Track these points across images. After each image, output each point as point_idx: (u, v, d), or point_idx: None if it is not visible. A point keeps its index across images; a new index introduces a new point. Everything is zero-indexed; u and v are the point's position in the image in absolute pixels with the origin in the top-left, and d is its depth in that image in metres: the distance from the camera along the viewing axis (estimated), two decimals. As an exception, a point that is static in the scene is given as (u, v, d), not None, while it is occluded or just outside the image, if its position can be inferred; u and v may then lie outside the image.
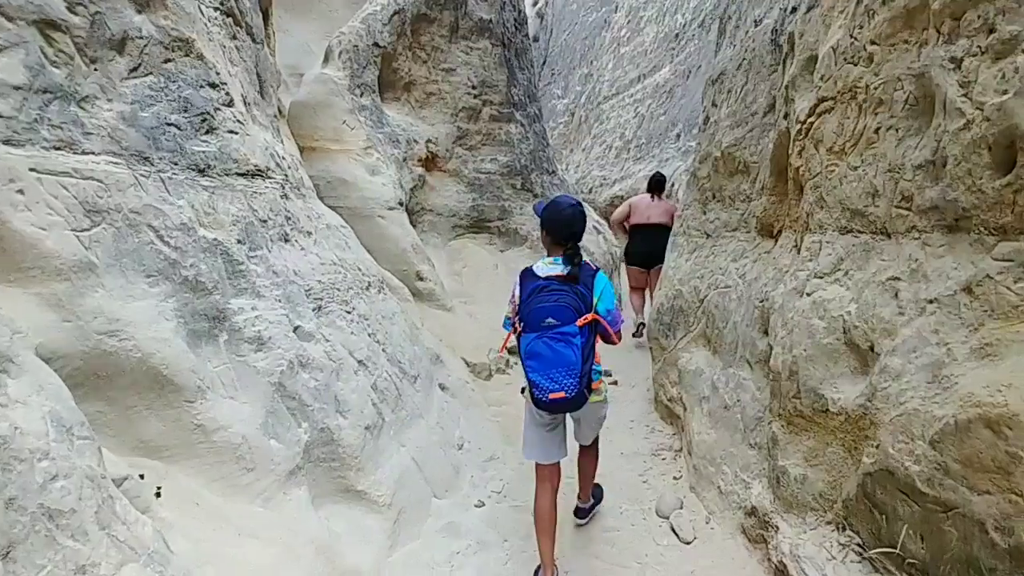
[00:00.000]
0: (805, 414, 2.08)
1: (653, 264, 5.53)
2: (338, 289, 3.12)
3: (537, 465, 2.43)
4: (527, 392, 2.36)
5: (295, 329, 2.61)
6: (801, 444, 2.09)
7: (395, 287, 4.39)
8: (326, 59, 5.79)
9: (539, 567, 2.34)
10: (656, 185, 5.78)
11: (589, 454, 2.72)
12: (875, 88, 1.98)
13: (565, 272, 2.23)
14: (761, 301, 2.70)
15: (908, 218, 1.80)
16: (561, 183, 7.83)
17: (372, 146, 5.44)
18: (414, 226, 6.09)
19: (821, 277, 2.15)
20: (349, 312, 3.11)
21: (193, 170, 2.49)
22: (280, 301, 2.60)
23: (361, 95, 5.69)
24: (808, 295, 2.17)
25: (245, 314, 2.42)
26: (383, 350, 3.22)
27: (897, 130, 1.89)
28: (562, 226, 2.31)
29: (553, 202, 2.39)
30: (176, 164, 2.42)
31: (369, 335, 3.17)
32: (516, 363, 4.81)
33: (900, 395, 1.66)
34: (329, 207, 5.08)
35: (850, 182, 2.07)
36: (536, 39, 26.73)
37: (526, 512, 2.70)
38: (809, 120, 2.37)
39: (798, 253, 2.48)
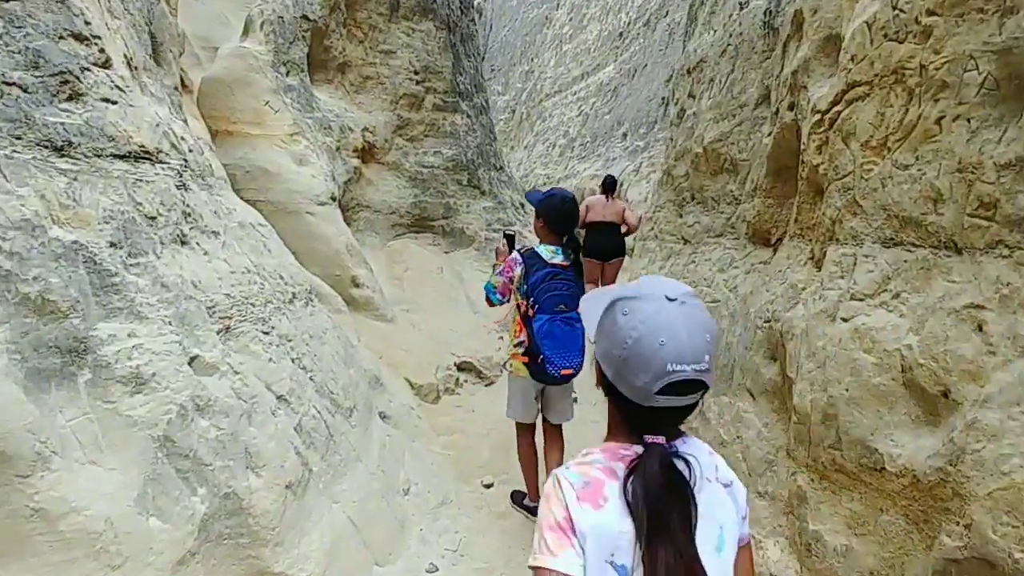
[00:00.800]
0: (847, 469, 1.68)
1: (609, 257, 5.54)
2: (253, 304, 2.50)
3: (520, 425, 2.77)
4: (517, 365, 2.61)
5: (191, 360, 1.99)
6: (841, 506, 1.70)
7: (326, 296, 3.77)
8: (245, 31, 5.05)
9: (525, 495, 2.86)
10: (610, 187, 5.82)
11: (558, 441, 2.79)
12: (935, 69, 1.61)
13: (568, 262, 2.51)
14: (767, 322, 2.31)
15: (989, 230, 1.43)
16: (509, 180, 7.37)
17: (300, 132, 4.76)
18: (348, 224, 5.45)
19: (861, 299, 1.76)
20: (267, 333, 2.50)
21: (45, 148, 1.83)
22: (171, 324, 1.97)
23: (287, 74, 4.99)
24: (845, 320, 1.79)
25: (118, 343, 1.78)
26: (311, 379, 2.63)
27: (969, 120, 1.51)
28: (563, 218, 2.52)
29: (552, 195, 2.57)
30: (19, 139, 1.77)
31: (293, 361, 2.57)
32: (467, 382, 4.30)
33: (1001, 461, 1.27)
34: (247, 201, 4.38)
35: (898, 184, 1.69)
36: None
37: (490, 578, 2.20)
38: (834, 110, 1.99)
39: (816, 267, 2.10)
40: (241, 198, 4.41)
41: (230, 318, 2.35)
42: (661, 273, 3.45)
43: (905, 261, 1.66)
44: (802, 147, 2.24)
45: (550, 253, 2.50)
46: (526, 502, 2.89)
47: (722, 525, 0.89)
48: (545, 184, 13.57)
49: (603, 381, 0.92)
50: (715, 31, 3.32)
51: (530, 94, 18.68)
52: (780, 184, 2.60)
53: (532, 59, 19.91)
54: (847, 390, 1.71)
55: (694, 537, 0.82)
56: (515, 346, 2.59)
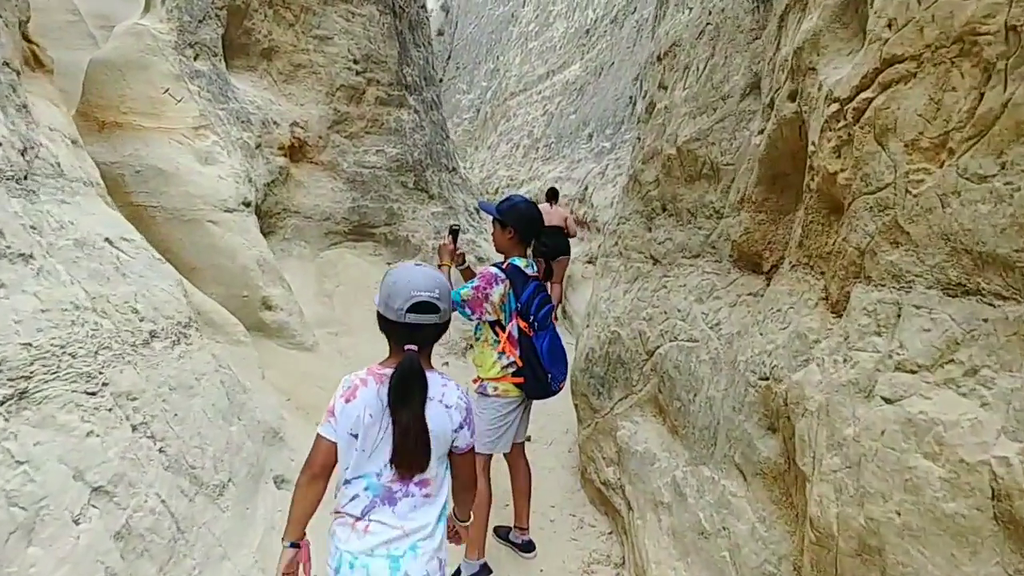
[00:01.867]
0: (902, 636, 1.11)
1: (558, 256, 6.27)
2: (74, 355, 1.83)
3: (486, 458, 2.45)
4: (506, 387, 2.42)
5: (-83, 461, 1.33)
6: None
7: (222, 325, 3.08)
8: (147, 7, 4.32)
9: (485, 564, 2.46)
10: (553, 196, 7.21)
11: (524, 465, 2.67)
12: (1034, 31, 1.05)
13: (538, 273, 2.51)
14: (763, 379, 1.75)
15: None
16: (463, 182, 6.74)
17: (208, 125, 4.05)
18: (271, 233, 4.75)
19: (913, 371, 1.20)
20: (94, 393, 1.83)
21: None
22: None
23: (195, 57, 4.27)
24: (888, 402, 1.22)
25: None
26: (161, 451, 1.96)
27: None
28: (533, 224, 2.49)
29: (514, 203, 2.50)
30: None
31: (134, 428, 1.91)
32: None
33: None
34: (136, 208, 3.66)
35: (970, 203, 1.14)
36: (441, 33, 25.52)
37: None
38: (861, 97, 1.43)
39: (834, 313, 1.54)
40: (129, 204, 3.69)
41: (28, 378, 1.68)
42: (626, 299, 2.88)
43: (986, 320, 1.10)
44: (810, 148, 1.68)
45: (525, 264, 2.46)
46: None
47: (439, 425, 1.46)
48: (508, 187, 12.97)
49: (380, 320, 1.52)
50: (690, 9, 2.76)
51: (495, 93, 18.10)
52: (775, 195, 2.04)
53: (497, 57, 19.36)
54: (899, 513, 1.14)
55: (424, 411, 1.43)
56: (502, 368, 2.41)
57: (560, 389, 2.49)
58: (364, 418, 1.41)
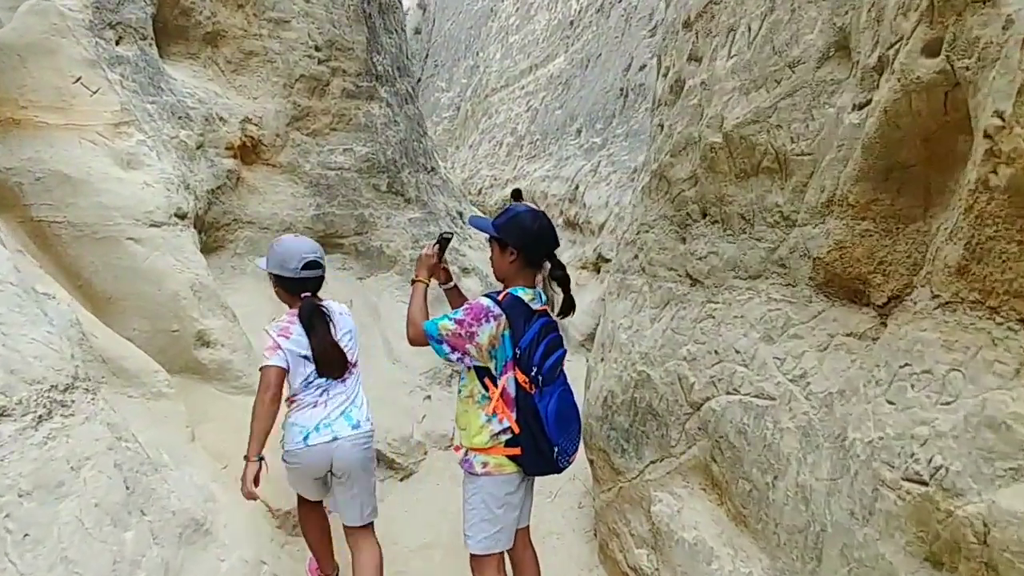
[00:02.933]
0: None
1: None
2: None
3: (484, 559, 1.89)
4: (499, 462, 1.82)
5: None
6: None
7: (135, 375, 2.39)
8: (58, -20, 3.59)
9: None
10: (517, 196, 7.68)
11: (531, 557, 2.11)
12: None
13: (547, 305, 1.93)
14: (917, 482, 1.13)
15: None
16: (444, 183, 6.07)
17: (131, 121, 3.35)
18: (220, 248, 4.06)
19: None
20: None
21: None
22: None
23: (117, 41, 3.57)
24: None
25: None
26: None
27: None
28: (545, 243, 1.88)
29: (516, 214, 1.87)
30: None
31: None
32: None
33: None
34: (35, 223, 2.96)
35: None
36: (419, 31, 24.85)
37: None
38: None
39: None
40: (28, 219, 2.98)
41: None
42: (655, 328, 2.25)
43: None
44: (989, 123, 1.06)
45: (530, 297, 1.85)
46: None
47: (345, 335, 2.22)
48: (492, 187, 12.34)
49: (276, 279, 2.18)
50: (730, -44, 2.14)
51: (475, 90, 17.47)
52: (889, 195, 1.43)
53: (477, 53, 18.73)
54: None
55: (332, 332, 2.14)
56: (492, 436, 1.81)
57: (570, 463, 1.89)
58: (302, 345, 2.08)
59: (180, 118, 3.76)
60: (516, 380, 1.74)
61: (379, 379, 3.63)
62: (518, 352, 1.75)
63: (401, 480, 3.04)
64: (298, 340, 2.07)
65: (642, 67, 8.49)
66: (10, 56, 3.18)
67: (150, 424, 2.36)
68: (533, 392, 1.75)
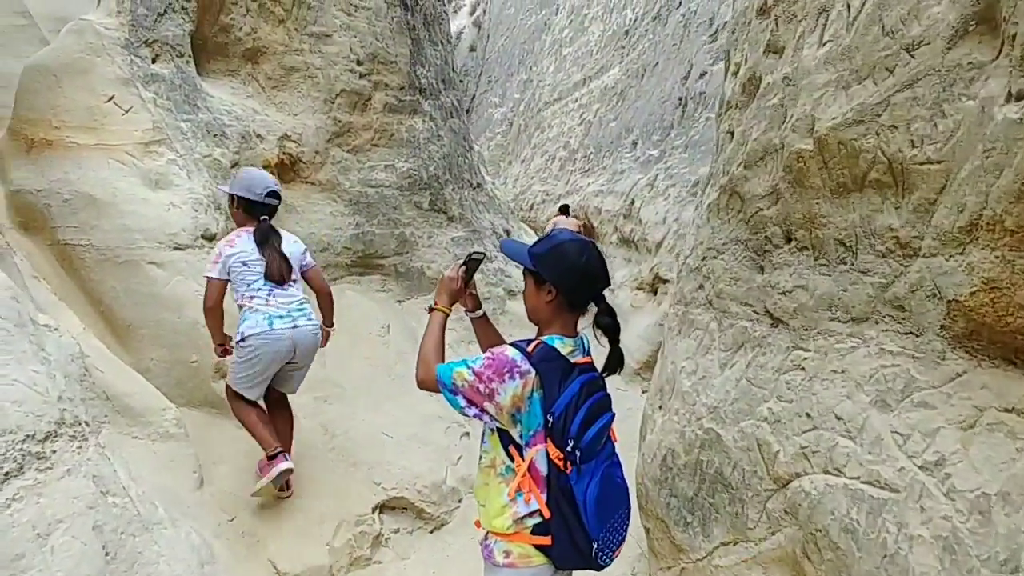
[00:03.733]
0: None
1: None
2: None
3: None
4: (524, 552, 1.42)
5: None
6: None
7: (140, 413, 2.19)
8: (99, 1, 3.57)
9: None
10: (564, 211, 8.31)
11: None
12: None
13: (591, 356, 1.52)
14: None
15: None
16: (490, 200, 5.81)
17: (163, 140, 3.24)
18: (253, 269, 3.89)
19: None
20: None
21: None
22: None
23: (154, 59, 3.48)
24: None
25: None
26: None
27: None
28: (583, 282, 1.45)
29: (559, 244, 1.46)
30: None
31: None
32: (399, 532, 2.68)
33: None
34: (62, 246, 2.85)
35: None
36: (473, 49, 25.03)
37: None
38: None
39: None
40: (56, 242, 2.88)
41: None
42: (726, 377, 1.86)
43: None
44: None
45: (569, 349, 1.45)
46: None
47: (291, 253, 2.63)
48: (543, 202, 12.05)
49: (241, 201, 2.57)
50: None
51: (528, 104, 17.30)
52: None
53: (530, 67, 18.60)
54: None
55: (282, 248, 2.61)
56: (516, 521, 1.41)
57: (613, 559, 1.45)
58: (247, 252, 2.51)
59: (215, 136, 3.64)
60: (547, 454, 1.39)
61: (412, 414, 3.35)
62: (550, 420, 1.37)
63: (431, 532, 2.73)
64: (242, 249, 2.49)
65: (702, 74, 8.02)
66: (46, 76, 3.12)
67: (155, 469, 2.14)
68: (569, 471, 1.37)
